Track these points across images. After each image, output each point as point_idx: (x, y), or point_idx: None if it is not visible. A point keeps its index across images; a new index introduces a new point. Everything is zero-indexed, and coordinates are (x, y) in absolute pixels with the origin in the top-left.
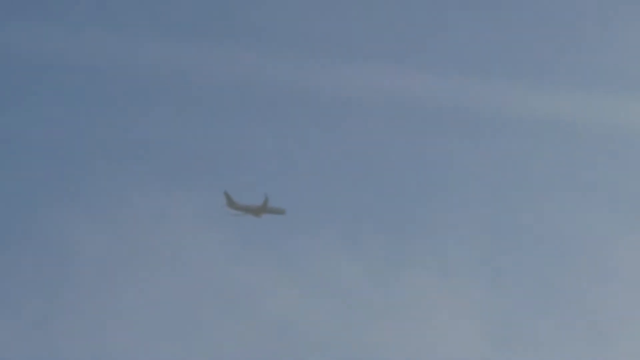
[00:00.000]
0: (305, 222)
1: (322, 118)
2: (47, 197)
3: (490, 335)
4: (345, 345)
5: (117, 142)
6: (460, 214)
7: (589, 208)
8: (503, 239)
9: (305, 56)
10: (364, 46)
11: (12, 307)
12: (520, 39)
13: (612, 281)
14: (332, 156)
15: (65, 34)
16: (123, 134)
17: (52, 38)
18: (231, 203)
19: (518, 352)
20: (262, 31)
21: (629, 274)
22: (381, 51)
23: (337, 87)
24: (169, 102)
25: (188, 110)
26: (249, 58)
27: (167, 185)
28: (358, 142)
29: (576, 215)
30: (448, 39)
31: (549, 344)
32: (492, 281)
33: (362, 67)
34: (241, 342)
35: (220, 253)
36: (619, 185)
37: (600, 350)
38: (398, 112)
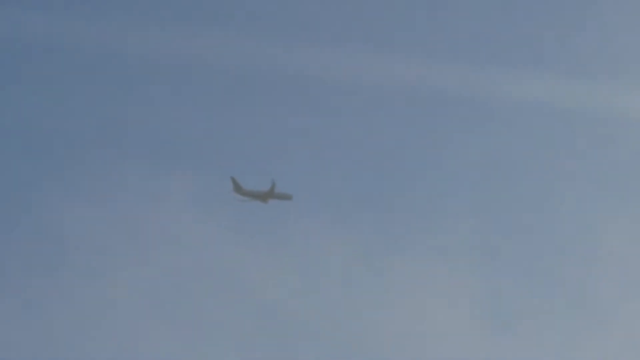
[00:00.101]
0: (300, 207)
1: (319, 104)
2: (42, 180)
3: (486, 319)
4: (340, 330)
5: (115, 126)
6: (455, 198)
7: (581, 192)
8: (497, 224)
9: (303, 42)
10: (361, 32)
11: (6, 289)
12: (516, 27)
13: (603, 262)
14: (328, 142)
15: (63, 18)
16: (121, 117)
17: (47, 22)
18: (238, 189)
19: (513, 336)
20: (262, 17)
21: (619, 255)
22: (379, 37)
23: (334, 73)
24: (168, 87)
25: (187, 95)
26: (251, 43)
27: (165, 169)
28: (355, 128)
29: (568, 200)
30: (449, 27)
31: (544, 327)
32: (486, 265)
33: (359, 52)
34: (236, 326)
35: (214, 237)
36: (608, 170)
37: (594, 330)
38: (396, 99)
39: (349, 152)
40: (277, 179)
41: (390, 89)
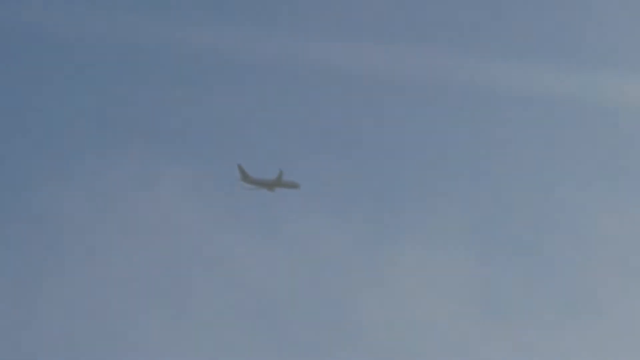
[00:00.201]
0: (294, 192)
1: (320, 94)
2: (32, 166)
3: (479, 305)
4: (333, 315)
5: (108, 111)
6: (448, 185)
7: (577, 182)
8: (494, 214)
9: (302, 33)
10: (362, 23)
11: None
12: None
13: (599, 251)
14: (324, 132)
15: (62, 6)
16: (115, 103)
17: (52, 9)
18: (245, 177)
19: (507, 322)
20: (267, 7)
21: (615, 244)
22: (377, 29)
23: (336, 61)
24: (175, 77)
25: (180, 81)
26: (251, 31)
27: (154, 154)
28: (352, 118)
29: (565, 189)
30: (445, 18)
31: (540, 315)
32: (484, 255)
33: (360, 43)
34: (226, 310)
35: (206, 221)
36: (605, 160)
37: (590, 319)
38: (393, 90)
39: (347, 142)
40: (267, 164)
41: (385, 81)
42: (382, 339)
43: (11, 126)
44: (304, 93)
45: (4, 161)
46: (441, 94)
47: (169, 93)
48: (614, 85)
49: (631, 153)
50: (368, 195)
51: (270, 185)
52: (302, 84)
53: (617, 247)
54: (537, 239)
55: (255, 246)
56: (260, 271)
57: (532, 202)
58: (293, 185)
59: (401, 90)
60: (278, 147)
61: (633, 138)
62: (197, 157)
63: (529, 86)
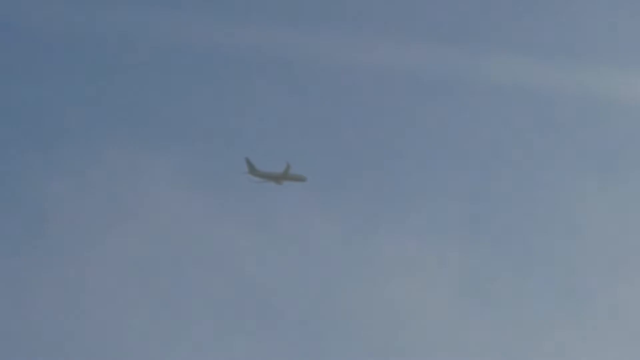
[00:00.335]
0: (284, 185)
1: (308, 87)
2: (21, 153)
3: (469, 295)
4: (323, 307)
5: (102, 103)
6: (438, 176)
7: (562, 172)
8: (480, 200)
9: (294, 25)
10: (356, 16)
11: None
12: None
13: (585, 240)
14: (314, 123)
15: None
16: (112, 96)
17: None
18: (252, 170)
19: (492, 313)
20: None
21: (601, 233)
22: (366, 21)
23: (323, 54)
24: (181, 69)
25: (184, 75)
26: (248, 26)
27: (147, 145)
28: (341, 110)
29: (546, 177)
30: (429, 8)
31: (527, 303)
32: (469, 242)
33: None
34: (218, 303)
35: (193, 213)
36: (588, 150)
37: (576, 307)
38: (379, 81)
39: (336, 134)
40: (258, 155)
41: (372, 72)
42: (374, 332)
43: None
44: (302, 87)
45: None
46: (437, 89)
47: (173, 87)
48: (606, 81)
49: (624, 149)
50: (359, 188)
51: (277, 178)
52: (286, 75)
53: (611, 243)
54: (528, 233)
55: (243, 236)
56: (253, 264)
57: (524, 197)
58: (300, 179)
59: (399, 85)
60: (274, 140)
61: (627, 134)
62: (194, 150)
63: (514, 78)
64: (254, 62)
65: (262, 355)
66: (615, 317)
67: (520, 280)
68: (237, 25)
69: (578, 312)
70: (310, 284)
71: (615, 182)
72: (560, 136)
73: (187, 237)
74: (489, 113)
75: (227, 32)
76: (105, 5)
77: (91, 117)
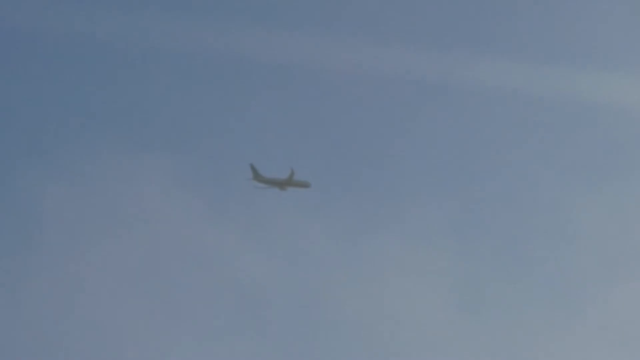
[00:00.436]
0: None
1: (300, 87)
2: (18, 156)
3: (457, 299)
4: (317, 310)
5: (100, 105)
6: (427, 179)
7: (554, 175)
8: (469, 204)
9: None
10: (345, 21)
11: None
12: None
13: (577, 244)
14: (303, 125)
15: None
16: (110, 99)
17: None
18: (257, 176)
19: (485, 316)
20: (273, 6)
21: (593, 237)
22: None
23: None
24: (181, 77)
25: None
26: (261, 30)
27: (145, 148)
28: (331, 113)
29: (540, 181)
30: (420, 12)
31: (515, 309)
32: (458, 245)
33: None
34: (208, 304)
35: (188, 216)
36: (581, 154)
37: (569, 311)
38: (370, 85)
39: (330, 137)
40: (246, 158)
41: (363, 75)
42: (368, 334)
43: None
44: (295, 91)
45: None
46: (430, 93)
47: (170, 90)
48: (600, 84)
49: (617, 153)
50: (354, 191)
51: (281, 184)
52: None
53: (604, 247)
54: (521, 237)
55: (236, 239)
56: (248, 266)
57: (517, 200)
58: (304, 185)
59: (392, 89)
60: (267, 142)
61: (620, 138)
62: (191, 153)
63: (508, 82)
64: (249, 65)
65: (259, 356)
66: (608, 321)
67: (512, 284)
68: (232, 29)
69: (570, 316)
70: (304, 287)
71: (608, 186)
72: (554, 140)
73: (182, 239)
74: (482, 117)
75: (223, 35)
76: (103, 8)
77: (89, 119)
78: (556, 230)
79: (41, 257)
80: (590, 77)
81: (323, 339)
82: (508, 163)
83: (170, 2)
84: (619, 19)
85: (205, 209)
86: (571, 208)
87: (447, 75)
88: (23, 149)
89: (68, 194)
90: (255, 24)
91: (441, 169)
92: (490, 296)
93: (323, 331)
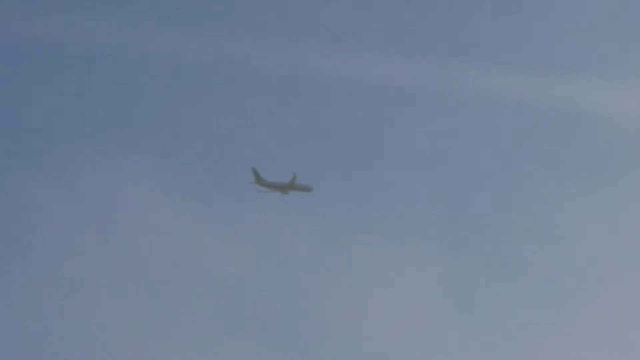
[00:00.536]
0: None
1: (288, 93)
2: (6, 159)
3: (449, 301)
4: (302, 312)
5: (91, 109)
6: (418, 182)
7: (542, 177)
8: (460, 207)
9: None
10: (343, 29)
11: None
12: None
13: (564, 245)
14: (291, 128)
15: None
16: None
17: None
18: (259, 180)
19: (477, 318)
20: (269, 15)
21: (580, 238)
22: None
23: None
24: (183, 84)
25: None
26: (261, 37)
27: (140, 152)
28: (321, 116)
29: (530, 183)
30: (414, 21)
31: (506, 310)
32: (450, 248)
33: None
34: (197, 306)
35: (176, 217)
36: (568, 157)
37: (557, 312)
38: (362, 91)
39: (315, 141)
40: (234, 159)
41: (354, 81)
42: (354, 337)
43: None
44: (285, 98)
45: None
46: (419, 98)
47: (162, 95)
48: (585, 92)
49: (602, 159)
50: (340, 194)
51: (283, 188)
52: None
53: (591, 250)
54: (508, 240)
55: (229, 244)
56: (235, 267)
57: (505, 202)
58: (306, 189)
59: (381, 95)
60: (256, 147)
61: (605, 144)
62: (180, 156)
63: (495, 89)
64: (252, 69)
65: (252, 359)
66: (599, 322)
67: (499, 287)
68: (235, 34)
69: (562, 317)
70: (290, 289)
71: (598, 189)
72: (544, 143)
73: (173, 242)
74: (469, 122)
75: (225, 40)
76: (93, 13)
77: (80, 122)
78: (547, 232)
79: (31, 259)
80: (580, 83)
81: (315, 341)
82: (499, 167)
83: (170, 2)
84: (607, 27)
85: (202, 212)
86: (562, 210)
87: (436, 82)
88: (13, 152)
89: (58, 197)
90: (257, 29)
91: (432, 173)
92: (482, 298)
93: (315, 333)
